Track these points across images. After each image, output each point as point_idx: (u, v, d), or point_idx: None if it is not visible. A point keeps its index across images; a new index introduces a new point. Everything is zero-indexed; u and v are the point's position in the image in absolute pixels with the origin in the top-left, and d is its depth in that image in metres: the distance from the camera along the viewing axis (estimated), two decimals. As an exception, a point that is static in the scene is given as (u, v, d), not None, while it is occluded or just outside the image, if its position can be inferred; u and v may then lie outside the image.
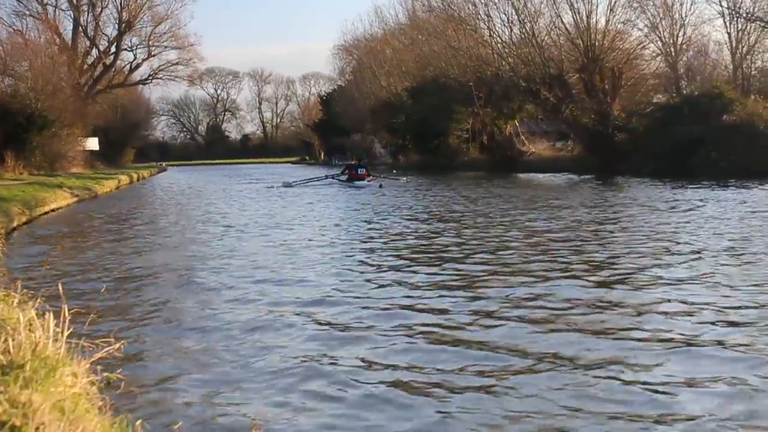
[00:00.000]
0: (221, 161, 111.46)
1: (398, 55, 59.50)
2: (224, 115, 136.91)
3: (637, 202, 20.32)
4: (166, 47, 65.80)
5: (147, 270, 10.98)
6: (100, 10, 62.48)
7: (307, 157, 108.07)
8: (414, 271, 10.16)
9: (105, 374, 4.13)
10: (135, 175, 53.39)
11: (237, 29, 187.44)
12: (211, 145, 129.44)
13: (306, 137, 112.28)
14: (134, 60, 66.63)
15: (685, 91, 42.91)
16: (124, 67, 67.24)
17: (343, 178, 35.77)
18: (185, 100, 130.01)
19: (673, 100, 39.91)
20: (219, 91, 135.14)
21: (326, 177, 37.06)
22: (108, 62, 64.54)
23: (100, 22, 63.07)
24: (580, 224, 15.24)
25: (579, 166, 38.90)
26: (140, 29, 64.48)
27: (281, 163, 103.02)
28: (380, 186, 31.97)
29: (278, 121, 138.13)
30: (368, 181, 34.09)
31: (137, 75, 69.33)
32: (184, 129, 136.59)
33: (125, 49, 65.48)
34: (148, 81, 69.50)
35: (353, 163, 37.44)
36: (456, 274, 9.82)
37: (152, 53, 65.80)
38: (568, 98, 38.41)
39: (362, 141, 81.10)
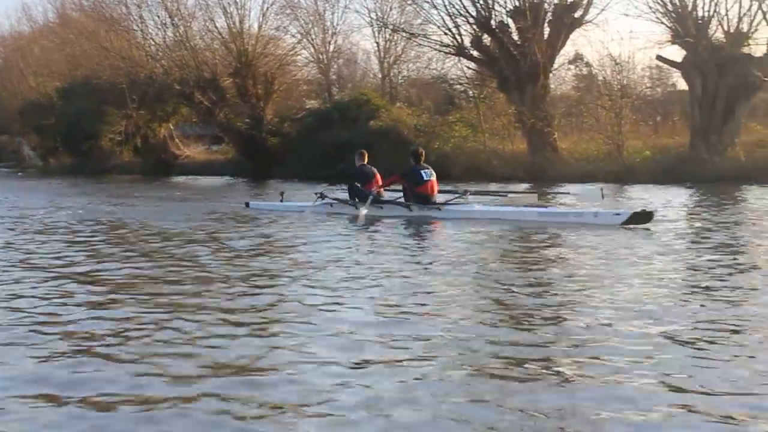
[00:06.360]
0: None
1: (47, 55, 56.91)
2: None
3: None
4: None
5: None
6: None
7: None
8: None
9: None
10: None
11: None
12: None
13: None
14: None
15: (336, 98, 44.29)
16: None
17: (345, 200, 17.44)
18: None
19: (324, 106, 41.15)
20: None
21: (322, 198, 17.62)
22: None
23: None
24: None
25: (234, 169, 39.21)
26: None
27: None
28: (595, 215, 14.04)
29: None
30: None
31: None
32: None
33: None
34: None
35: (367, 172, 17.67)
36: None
37: None
38: (222, 102, 38.52)
39: (9, 143, 77.13)
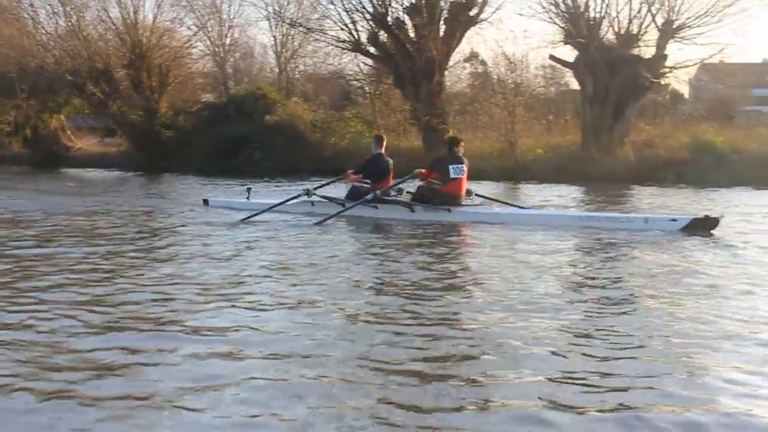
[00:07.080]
0: None
1: (-65, 42, 55.13)
2: None
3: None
4: None
5: None
6: None
7: None
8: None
9: None
10: None
11: None
12: None
13: None
14: None
15: (232, 91, 43.90)
16: None
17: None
18: None
19: (220, 99, 40.74)
20: None
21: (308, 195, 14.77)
22: None
23: None
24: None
25: (128, 162, 38.40)
26: None
27: None
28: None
29: None
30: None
31: None
32: None
33: None
34: None
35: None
36: None
37: None
38: (115, 94, 37.77)
39: None
